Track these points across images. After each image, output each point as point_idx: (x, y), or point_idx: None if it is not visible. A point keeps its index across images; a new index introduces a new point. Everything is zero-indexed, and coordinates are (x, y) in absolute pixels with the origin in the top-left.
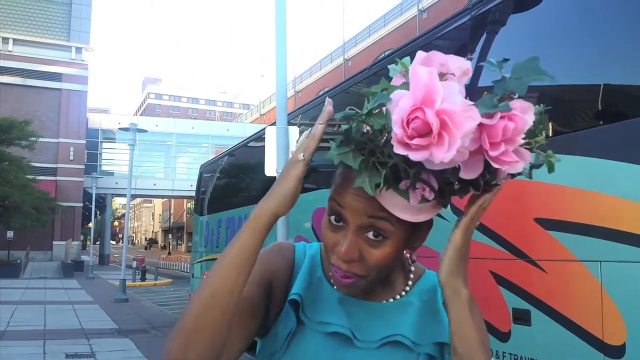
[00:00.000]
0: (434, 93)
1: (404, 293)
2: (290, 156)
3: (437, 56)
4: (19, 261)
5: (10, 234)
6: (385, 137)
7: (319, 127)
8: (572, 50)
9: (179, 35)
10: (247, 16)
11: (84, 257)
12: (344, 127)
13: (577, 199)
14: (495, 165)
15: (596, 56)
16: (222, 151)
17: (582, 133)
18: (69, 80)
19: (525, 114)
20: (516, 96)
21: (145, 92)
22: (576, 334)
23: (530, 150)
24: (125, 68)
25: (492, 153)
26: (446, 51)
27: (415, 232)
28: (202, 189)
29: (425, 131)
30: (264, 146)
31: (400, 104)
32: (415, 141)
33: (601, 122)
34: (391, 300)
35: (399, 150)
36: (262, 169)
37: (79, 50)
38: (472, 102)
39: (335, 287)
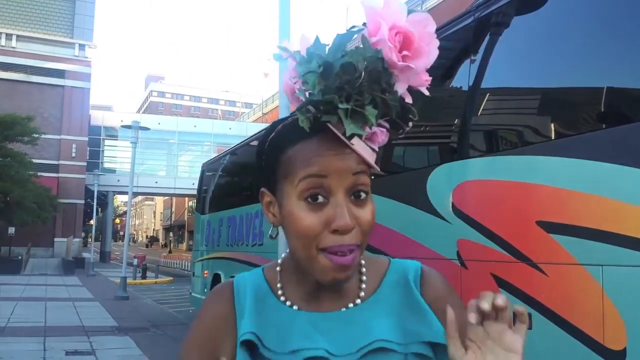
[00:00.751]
0: (399, 12)
1: (365, 287)
2: None
3: None
4: (20, 257)
5: (11, 230)
6: (362, 72)
7: None
8: (575, 53)
9: (183, 33)
10: (251, 14)
11: (85, 254)
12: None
13: (579, 202)
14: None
15: (600, 58)
16: (224, 150)
17: (584, 136)
18: (72, 77)
19: (424, 27)
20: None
21: (148, 89)
22: (577, 338)
23: None
24: (129, 65)
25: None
26: (449, 53)
27: None
28: (204, 188)
29: (406, 44)
30: None
31: (381, 29)
32: (404, 53)
33: (604, 125)
34: (358, 301)
35: (406, 62)
36: None
37: (82, 47)
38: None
39: (294, 305)
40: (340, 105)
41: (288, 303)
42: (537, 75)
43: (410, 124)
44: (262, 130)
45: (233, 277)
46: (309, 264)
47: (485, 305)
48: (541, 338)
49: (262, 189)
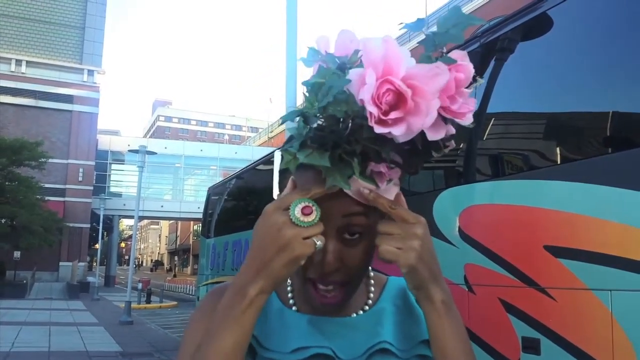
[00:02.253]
0: (396, 60)
1: (370, 302)
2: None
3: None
4: (25, 281)
5: (17, 254)
6: (349, 124)
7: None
8: (581, 77)
9: (190, 59)
10: (257, 41)
11: (90, 279)
12: (296, 129)
13: (587, 226)
14: (458, 121)
15: (605, 83)
16: (230, 174)
17: (591, 160)
18: (81, 102)
19: (466, 61)
20: (445, 50)
21: (155, 114)
22: None
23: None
24: (136, 90)
25: (454, 107)
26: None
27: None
28: (209, 211)
29: (398, 102)
30: (272, 170)
31: (367, 81)
32: (392, 115)
33: (610, 150)
34: (361, 312)
35: (380, 129)
36: (270, 193)
37: (91, 72)
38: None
39: (301, 311)
40: (320, 154)
41: (294, 308)
42: (543, 100)
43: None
44: (268, 154)
45: None
46: (300, 289)
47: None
48: None
49: None
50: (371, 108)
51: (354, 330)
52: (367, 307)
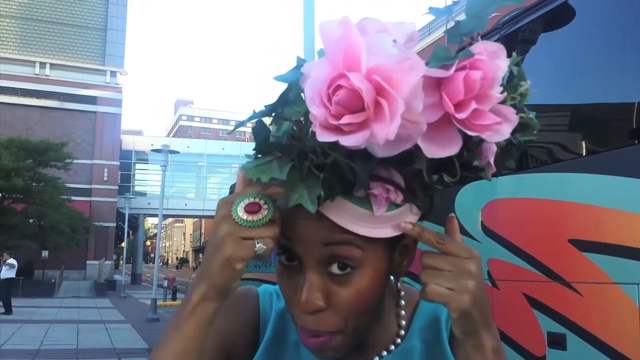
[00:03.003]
0: (356, 49)
1: (402, 333)
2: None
3: (372, 22)
4: (53, 280)
5: (45, 253)
6: (310, 128)
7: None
8: (605, 67)
9: (211, 58)
10: (278, 39)
11: (117, 277)
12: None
13: (612, 219)
14: (470, 133)
15: (630, 73)
16: None
17: (617, 152)
18: (104, 103)
19: (495, 57)
20: (478, 39)
21: (178, 114)
22: (613, 359)
23: (515, 107)
24: (158, 90)
25: (460, 116)
26: None
27: (397, 251)
28: None
29: (356, 104)
30: None
31: (313, 75)
32: (345, 120)
33: (636, 141)
34: (386, 353)
35: (324, 137)
36: None
37: (113, 74)
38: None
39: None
40: (279, 164)
41: None
42: (567, 91)
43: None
44: None
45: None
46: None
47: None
48: (576, 359)
49: None
50: (314, 109)
51: None
52: (394, 345)
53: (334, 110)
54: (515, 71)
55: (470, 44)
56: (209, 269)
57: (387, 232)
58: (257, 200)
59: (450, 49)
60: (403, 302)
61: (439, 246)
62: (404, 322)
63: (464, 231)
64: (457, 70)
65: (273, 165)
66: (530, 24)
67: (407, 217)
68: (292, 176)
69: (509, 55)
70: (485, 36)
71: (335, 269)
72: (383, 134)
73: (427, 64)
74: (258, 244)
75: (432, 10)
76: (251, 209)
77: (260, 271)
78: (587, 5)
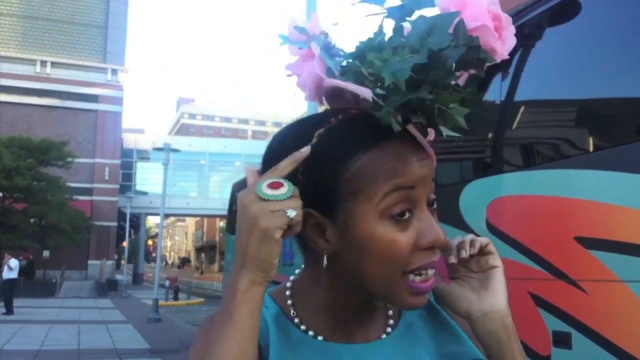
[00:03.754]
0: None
1: (392, 316)
2: (262, 205)
3: None
4: (54, 280)
5: (46, 253)
6: (449, 57)
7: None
8: (612, 62)
9: (213, 55)
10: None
11: (118, 277)
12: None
13: (619, 216)
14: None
15: (639, 67)
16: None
17: (625, 148)
18: (105, 101)
19: None
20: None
21: (180, 112)
22: (619, 358)
23: None
24: (160, 88)
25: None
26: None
27: None
28: (234, 208)
29: (498, 29)
30: None
31: (483, 14)
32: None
33: None
34: (391, 325)
35: (503, 56)
36: None
37: (114, 72)
38: None
39: (403, 306)
40: (442, 104)
41: (311, 333)
42: (573, 86)
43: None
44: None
45: None
46: (389, 292)
47: (464, 255)
48: (582, 358)
49: (307, 210)
50: (494, 33)
51: (395, 355)
52: (392, 322)
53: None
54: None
55: None
56: (247, 252)
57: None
58: (277, 180)
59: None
60: None
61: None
62: (391, 311)
63: (469, 229)
64: None
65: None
66: (536, 18)
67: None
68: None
69: None
70: None
71: (429, 206)
72: (508, 50)
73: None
74: (290, 211)
75: None
76: (274, 186)
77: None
78: None
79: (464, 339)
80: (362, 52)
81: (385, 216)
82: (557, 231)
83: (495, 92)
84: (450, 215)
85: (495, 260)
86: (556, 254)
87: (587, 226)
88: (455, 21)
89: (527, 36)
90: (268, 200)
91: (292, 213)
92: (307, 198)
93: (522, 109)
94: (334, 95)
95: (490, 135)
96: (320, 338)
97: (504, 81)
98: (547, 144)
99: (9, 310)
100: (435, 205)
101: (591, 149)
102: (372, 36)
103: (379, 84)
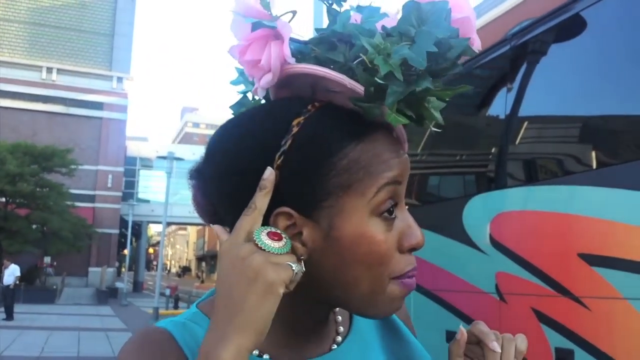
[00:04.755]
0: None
1: (340, 319)
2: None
3: None
4: (55, 287)
5: (47, 259)
6: (454, 46)
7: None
8: (616, 79)
9: (218, 65)
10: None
11: (119, 284)
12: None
13: (622, 234)
14: None
15: None
16: None
17: (628, 165)
18: (110, 109)
19: None
20: None
21: (184, 120)
22: None
23: None
24: (165, 97)
25: None
26: (485, 81)
27: None
28: None
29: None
30: None
31: (466, 7)
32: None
33: None
34: (340, 333)
35: (477, 50)
36: None
37: (119, 79)
38: None
39: (385, 312)
40: (440, 97)
41: (255, 352)
42: (577, 103)
43: None
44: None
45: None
46: (371, 299)
47: (497, 348)
48: None
49: (283, 209)
50: (475, 35)
51: None
52: (342, 329)
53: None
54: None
55: None
56: (243, 311)
57: None
58: (274, 230)
59: None
60: None
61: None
62: (340, 317)
63: (472, 244)
64: None
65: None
66: (541, 35)
67: None
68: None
69: None
70: (496, 46)
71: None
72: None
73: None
74: (294, 265)
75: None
76: (275, 237)
77: None
78: (599, 16)
79: (413, 342)
80: (342, 37)
81: (376, 213)
82: (560, 247)
83: (500, 107)
84: (453, 229)
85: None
86: (559, 271)
87: (591, 243)
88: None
89: (532, 52)
90: (270, 252)
91: (297, 267)
92: (282, 195)
93: (526, 124)
94: (285, 84)
95: (494, 150)
96: (265, 357)
97: (509, 96)
98: (551, 160)
99: (9, 316)
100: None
101: (594, 166)
102: (332, 19)
103: (372, 74)
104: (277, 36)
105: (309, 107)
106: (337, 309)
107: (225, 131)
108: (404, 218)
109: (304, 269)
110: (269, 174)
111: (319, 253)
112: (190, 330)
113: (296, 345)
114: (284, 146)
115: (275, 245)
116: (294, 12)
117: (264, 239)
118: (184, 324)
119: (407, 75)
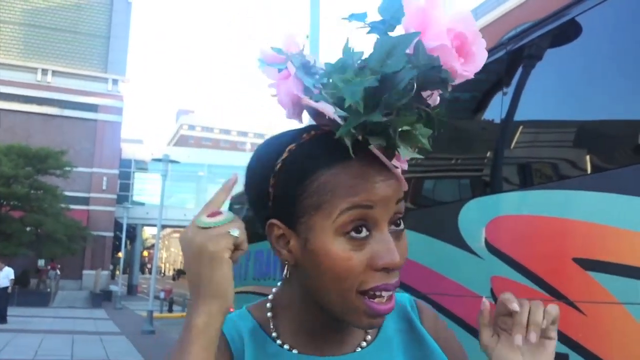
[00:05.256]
0: (441, 10)
1: (368, 331)
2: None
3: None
4: (49, 290)
5: (41, 262)
6: (415, 85)
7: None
8: (612, 84)
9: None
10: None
11: (113, 287)
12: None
13: (618, 238)
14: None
15: (638, 89)
16: None
17: (624, 170)
18: (105, 111)
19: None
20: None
21: (179, 123)
22: None
23: None
24: (160, 99)
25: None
26: (480, 85)
27: None
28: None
29: (462, 48)
30: None
31: (441, 34)
32: (461, 59)
33: None
34: (367, 340)
35: (466, 70)
36: None
37: (115, 82)
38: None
39: (359, 325)
40: (394, 127)
41: (286, 347)
42: (573, 107)
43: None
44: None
45: None
46: (343, 309)
47: (516, 307)
48: None
49: (272, 221)
50: (455, 63)
51: None
52: (369, 337)
53: (459, 57)
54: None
55: None
56: (201, 281)
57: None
58: (215, 209)
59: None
60: None
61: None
62: None
63: (467, 248)
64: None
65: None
66: (536, 40)
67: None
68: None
69: None
70: (491, 51)
71: (393, 226)
72: (475, 69)
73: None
74: (232, 230)
75: (351, 16)
76: (212, 215)
77: (258, 284)
78: (594, 21)
79: (436, 352)
80: (329, 73)
81: (340, 233)
82: (555, 252)
83: (496, 111)
84: (449, 233)
85: (555, 332)
86: (554, 275)
87: (586, 247)
88: (414, 41)
89: (527, 57)
90: (210, 227)
91: (235, 232)
92: (274, 210)
93: (522, 128)
94: (318, 113)
95: (489, 154)
96: (295, 351)
97: (504, 101)
98: (546, 165)
99: (3, 319)
100: (402, 225)
101: (589, 170)
102: (342, 56)
103: (340, 105)
104: (288, 75)
105: (305, 135)
106: None
107: (256, 150)
108: (382, 239)
109: (244, 233)
110: (233, 178)
111: (301, 262)
112: (235, 324)
113: (321, 344)
114: (275, 169)
115: (212, 220)
116: (303, 47)
117: (202, 219)
118: (231, 319)
119: (369, 107)
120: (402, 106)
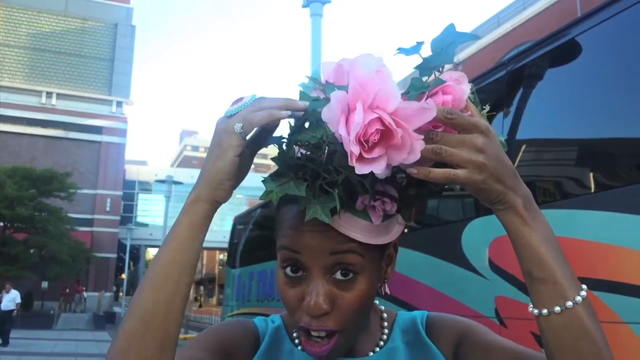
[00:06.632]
0: (388, 95)
1: (385, 337)
2: (223, 125)
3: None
4: (52, 312)
5: (44, 284)
6: (326, 151)
7: (275, 114)
8: (614, 103)
9: (217, 88)
10: (284, 68)
11: (116, 309)
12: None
13: (621, 257)
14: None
15: (639, 108)
16: (255, 203)
17: (627, 189)
18: (109, 133)
19: (460, 83)
20: (443, 71)
21: (183, 144)
22: None
23: None
24: (164, 121)
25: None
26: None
27: (383, 260)
28: (235, 241)
29: (382, 139)
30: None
31: (355, 119)
32: (375, 153)
33: None
34: (375, 351)
35: (361, 169)
36: None
37: (119, 104)
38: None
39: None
40: (296, 184)
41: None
42: (574, 127)
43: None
44: None
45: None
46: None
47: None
48: None
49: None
50: (354, 147)
51: None
52: (381, 344)
53: (367, 148)
54: (472, 98)
55: (435, 75)
56: (203, 170)
57: (382, 239)
58: (238, 97)
59: (420, 79)
60: (385, 315)
61: (447, 121)
62: (386, 330)
63: (471, 267)
64: (431, 95)
65: (291, 185)
66: (537, 59)
67: (395, 227)
68: (308, 193)
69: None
70: (493, 71)
71: (339, 275)
72: (399, 160)
73: (406, 92)
74: (236, 125)
75: (401, 50)
76: (236, 102)
77: (263, 305)
78: (594, 41)
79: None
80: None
81: (281, 266)
82: None
83: (497, 130)
84: (452, 253)
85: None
86: None
87: (590, 267)
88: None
89: (528, 76)
90: (232, 115)
91: (237, 127)
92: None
93: (524, 147)
94: None
95: None
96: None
97: (506, 119)
98: (549, 183)
99: (5, 342)
100: (350, 276)
101: (593, 189)
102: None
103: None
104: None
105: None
106: (385, 315)
107: None
108: (310, 285)
109: (250, 124)
110: (284, 113)
111: None
112: (267, 323)
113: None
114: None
115: (232, 108)
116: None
117: (228, 107)
118: (264, 319)
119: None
120: (321, 168)
